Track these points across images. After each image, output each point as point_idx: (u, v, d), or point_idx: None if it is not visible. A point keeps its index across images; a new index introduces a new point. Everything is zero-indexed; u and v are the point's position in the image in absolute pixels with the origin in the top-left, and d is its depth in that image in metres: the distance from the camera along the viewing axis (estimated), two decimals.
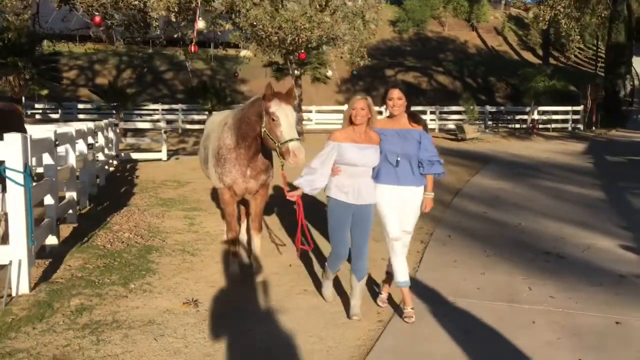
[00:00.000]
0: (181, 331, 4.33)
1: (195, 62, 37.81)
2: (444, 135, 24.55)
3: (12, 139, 4.72)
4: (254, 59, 22.56)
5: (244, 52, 38.95)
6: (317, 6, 8.70)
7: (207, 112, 23.68)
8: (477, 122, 26.74)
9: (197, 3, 7.63)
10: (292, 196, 4.55)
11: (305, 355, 4.01)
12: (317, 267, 5.93)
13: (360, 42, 11.37)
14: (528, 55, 46.55)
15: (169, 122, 25.83)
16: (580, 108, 27.27)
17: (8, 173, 4.69)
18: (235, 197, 5.43)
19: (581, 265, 6.02)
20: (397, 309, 4.81)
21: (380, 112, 5.61)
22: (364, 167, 4.47)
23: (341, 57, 10.47)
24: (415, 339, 4.24)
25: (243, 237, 6.52)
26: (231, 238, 5.60)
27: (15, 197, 4.76)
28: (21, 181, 4.72)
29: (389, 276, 4.89)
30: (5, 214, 4.93)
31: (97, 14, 8.99)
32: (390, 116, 4.65)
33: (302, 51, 9.00)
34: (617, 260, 6.16)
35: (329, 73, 11.32)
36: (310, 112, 28.17)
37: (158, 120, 23.71)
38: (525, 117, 27.57)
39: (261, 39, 9.01)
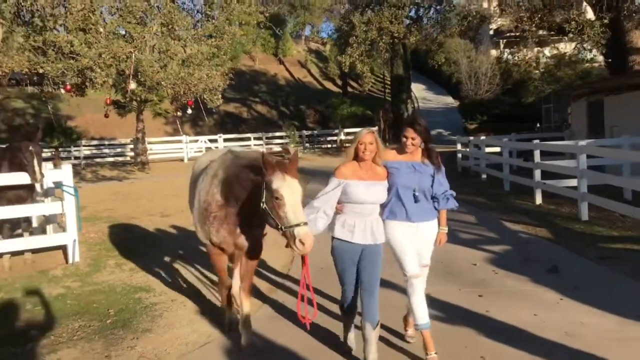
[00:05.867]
0: (200, 260, 7.71)
1: (14, 101, 37.93)
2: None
3: (66, 167, 7.75)
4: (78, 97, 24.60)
5: (64, 91, 39.67)
6: (196, 66, 12.29)
7: (54, 150, 25.20)
8: (297, 144, 31.71)
9: (130, 71, 10.60)
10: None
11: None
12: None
13: (218, 86, 15.08)
14: (329, 85, 53.44)
15: None
16: (375, 129, 33.60)
17: (64, 188, 7.68)
18: (223, 254, 4.91)
19: None
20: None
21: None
22: (371, 205, 4.22)
23: (204, 99, 13.98)
24: None
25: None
26: (225, 293, 5.22)
27: (69, 203, 7.75)
28: (72, 192, 7.74)
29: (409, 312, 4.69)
30: (64, 214, 7.84)
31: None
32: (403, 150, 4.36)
33: (190, 99, 12.40)
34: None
35: (189, 111, 14.71)
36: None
37: None
38: (335, 138, 33.22)
39: (159, 90, 12.30)
